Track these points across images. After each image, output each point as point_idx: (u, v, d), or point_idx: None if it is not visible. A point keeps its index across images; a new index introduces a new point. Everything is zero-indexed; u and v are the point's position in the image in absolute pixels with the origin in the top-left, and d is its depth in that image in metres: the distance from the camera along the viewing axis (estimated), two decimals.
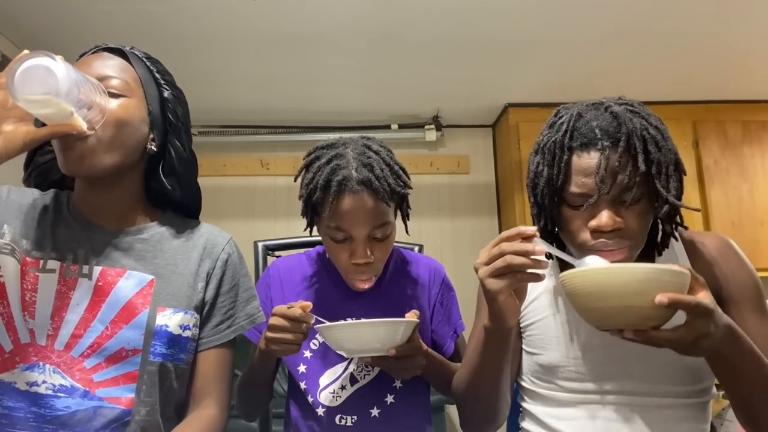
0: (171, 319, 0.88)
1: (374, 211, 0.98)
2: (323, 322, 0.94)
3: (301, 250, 1.24)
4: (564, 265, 0.99)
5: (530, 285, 0.85)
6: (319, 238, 1.08)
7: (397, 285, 1.14)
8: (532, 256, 0.74)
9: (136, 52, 0.94)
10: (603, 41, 2.43)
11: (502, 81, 2.81)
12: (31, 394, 0.80)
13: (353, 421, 1.04)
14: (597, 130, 0.84)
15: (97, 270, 0.86)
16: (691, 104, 3.04)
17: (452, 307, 1.17)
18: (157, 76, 0.94)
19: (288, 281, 1.14)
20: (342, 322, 0.94)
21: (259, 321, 0.99)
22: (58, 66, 0.71)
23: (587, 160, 0.83)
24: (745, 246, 1.00)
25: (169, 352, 0.88)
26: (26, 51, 0.72)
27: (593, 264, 0.81)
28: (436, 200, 3.32)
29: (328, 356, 1.07)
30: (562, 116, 0.90)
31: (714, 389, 0.92)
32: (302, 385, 1.07)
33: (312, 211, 1.04)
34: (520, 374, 1.00)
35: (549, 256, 0.77)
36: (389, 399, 1.07)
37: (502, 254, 0.76)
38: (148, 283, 0.88)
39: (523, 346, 0.99)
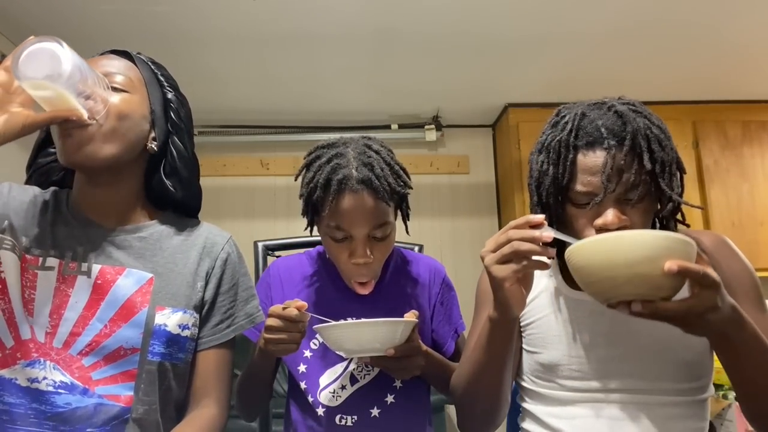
0: (170, 319, 0.88)
1: (374, 211, 0.98)
2: (323, 321, 0.94)
3: (301, 250, 1.24)
4: (565, 267, 0.99)
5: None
6: (319, 238, 1.08)
7: (397, 285, 1.14)
8: (539, 243, 0.74)
9: (141, 57, 0.96)
10: (603, 41, 2.43)
11: (502, 81, 2.81)
12: (32, 391, 0.80)
13: (353, 421, 1.04)
14: (603, 129, 0.84)
15: (96, 268, 0.86)
16: (691, 104, 3.04)
17: (453, 306, 1.17)
18: (161, 78, 0.96)
19: (288, 281, 1.14)
20: (341, 322, 0.94)
21: (258, 320, 0.99)
22: (63, 51, 0.73)
23: (593, 158, 0.84)
24: (745, 246, 1.01)
25: (168, 351, 0.88)
26: (33, 37, 0.73)
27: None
28: (436, 200, 3.32)
29: (328, 356, 1.07)
30: (565, 115, 0.91)
31: (712, 387, 0.93)
32: (302, 385, 1.07)
33: (312, 211, 1.04)
34: (520, 374, 1.00)
35: (553, 244, 0.77)
36: (389, 399, 1.07)
37: (509, 241, 0.76)
38: (147, 281, 0.88)
39: (524, 346, 0.99)
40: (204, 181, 1.03)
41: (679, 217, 0.91)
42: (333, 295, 1.11)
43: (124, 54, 0.94)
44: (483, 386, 0.91)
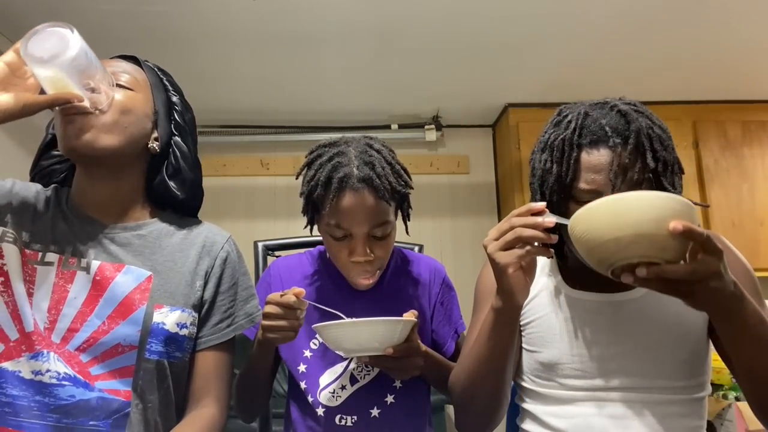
0: (168, 317, 0.88)
1: (374, 210, 0.99)
2: (321, 309, 0.94)
3: (302, 250, 1.24)
4: (564, 266, 0.99)
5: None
6: (319, 239, 1.08)
7: (397, 285, 1.14)
8: (541, 229, 0.75)
9: (149, 63, 0.98)
10: (603, 41, 2.43)
11: (502, 81, 2.82)
12: (35, 383, 0.80)
13: (353, 421, 1.04)
14: (607, 128, 0.85)
15: (96, 264, 0.86)
16: (691, 104, 3.04)
17: (453, 306, 1.17)
18: (167, 83, 0.98)
19: (289, 280, 1.14)
20: (340, 321, 0.94)
21: (257, 320, 0.99)
22: (72, 36, 0.76)
23: (597, 157, 0.84)
24: (745, 246, 1.01)
25: (166, 350, 0.88)
26: (47, 23, 0.77)
27: None
28: (436, 200, 3.32)
29: (328, 356, 1.07)
30: (567, 115, 0.91)
31: (709, 386, 0.93)
32: (302, 385, 1.07)
33: (312, 209, 1.04)
34: (519, 374, 1.00)
35: (555, 231, 0.78)
36: (389, 399, 1.07)
37: (512, 228, 0.77)
38: (146, 279, 0.88)
39: (523, 345, 0.99)
40: (204, 181, 1.03)
41: None
42: (334, 295, 1.11)
43: (132, 59, 0.96)
44: (484, 382, 0.90)
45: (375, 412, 1.05)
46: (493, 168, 3.39)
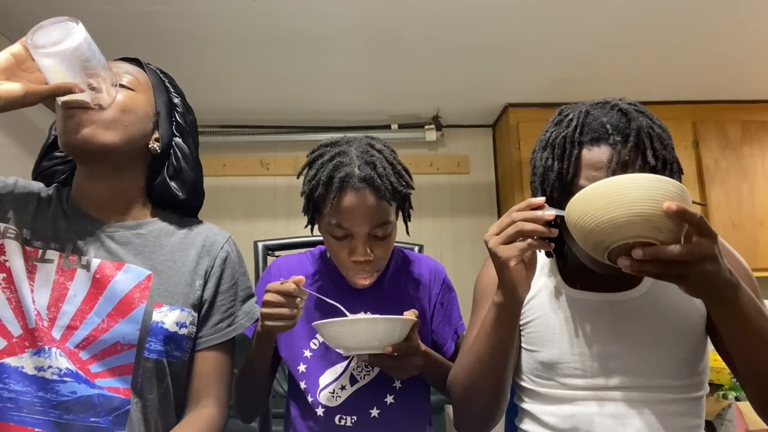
0: (167, 317, 0.88)
1: (375, 209, 0.99)
2: (321, 299, 0.94)
3: (302, 250, 1.24)
4: (563, 266, 1.00)
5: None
6: (320, 238, 1.08)
7: (397, 285, 1.14)
8: (542, 222, 0.77)
9: (151, 66, 0.99)
10: (603, 41, 2.43)
11: (502, 81, 2.82)
12: (38, 379, 0.80)
13: (353, 421, 1.04)
14: (608, 126, 0.85)
15: (96, 262, 0.87)
16: (691, 104, 3.04)
17: (453, 307, 1.17)
18: (169, 86, 0.99)
19: None
20: (340, 318, 0.94)
21: (256, 316, 0.99)
22: (78, 28, 0.78)
23: (598, 154, 0.85)
24: (745, 246, 1.02)
25: (165, 349, 0.88)
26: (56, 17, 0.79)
27: None
28: (436, 200, 3.33)
29: (328, 356, 1.07)
30: (568, 114, 0.92)
31: (707, 386, 0.93)
32: (302, 385, 1.07)
33: (313, 208, 1.04)
34: (518, 374, 1.00)
35: (555, 225, 0.80)
36: (389, 399, 1.07)
37: (512, 222, 0.79)
38: (146, 278, 0.89)
39: (523, 345, 0.99)
40: (204, 181, 1.03)
41: None
42: (334, 294, 1.11)
43: (134, 61, 0.97)
44: (484, 379, 0.90)
45: (375, 412, 1.05)
46: (493, 168, 3.39)
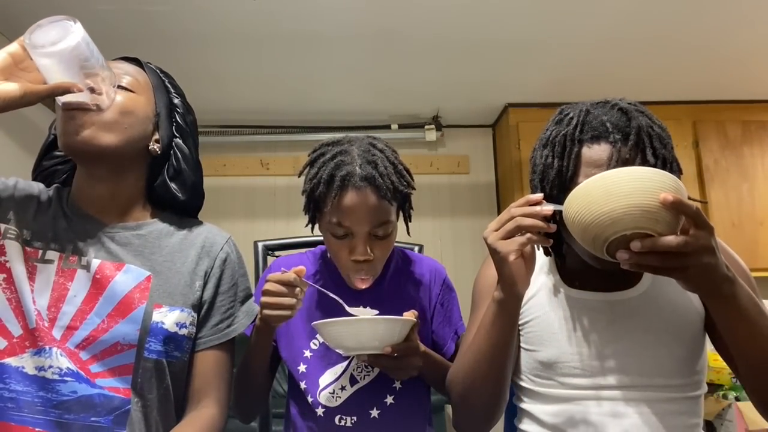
0: (167, 317, 0.88)
1: (376, 208, 0.99)
2: (321, 291, 0.93)
3: (302, 250, 1.24)
4: (562, 266, 1.00)
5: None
6: (320, 238, 1.08)
7: (398, 285, 1.14)
8: (540, 217, 0.79)
9: (151, 65, 0.99)
10: (603, 41, 2.43)
11: (502, 81, 2.82)
12: (38, 379, 0.80)
13: (353, 421, 1.04)
14: (608, 124, 0.86)
15: (96, 262, 0.87)
16: (691, 104, 3.04)
17: (453, 308, 1.17)
18: (169, 85, 0.99)
19: None
20: (340, 318, 0.94)
21: (255, 314, 1.00)
22: (76, 27, 0.78)
23: (598, 152, 0.85)
24: (745, 246, 1.02)
25: (165, 349, 0.88)
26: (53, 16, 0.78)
27: None
28: (436, 200, 3.32)
29: (328, 356, 1.07)
30: (569, 113, 0.92)
31: (705, 385, 0.94)
32: (302, 385, 1.07)
33: (314, 207, 1.05)
34: (517, 374, 1.00)
35: (553, 220, 0.80)
36: (389, 400, 1.07)
37: (511, 218, 0.80)
38: (146, 279, 0.89)
39: (522, 344, 0.99)
40: (204, 181, 1.03)
41: None
42: (334, 294, 1.11)
43: (134, 61, 0.96)
44: (484, 378, 0.90)
45: (374, 412, 1.05)
46: (493, 168, 3.39)
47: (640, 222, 0.71)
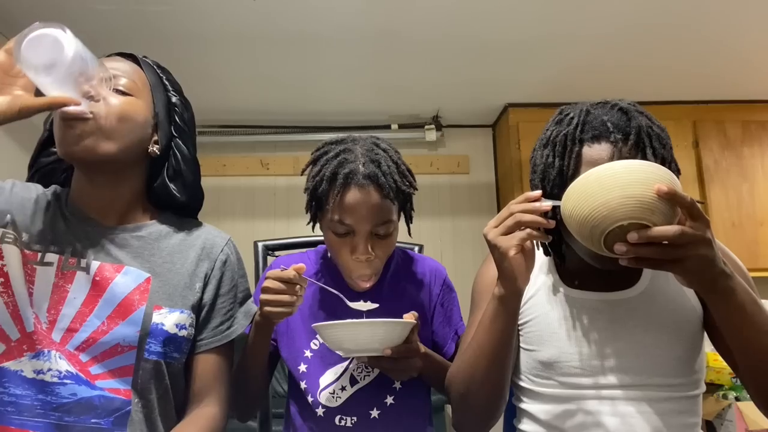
0: (167, 318, 0.88)
1: (378, 207, 0.99)
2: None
3: (302, 250, 1.24)
4: (561, 266, 1.00)
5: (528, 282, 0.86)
6: (320, 238, 1.08)
7: (398, 285, 1.14)
8: (539, 214, 0.80)
9: (148, 60, 0.96)
10: (603, 42, 2.43)
11: (502, 81, 2.82)
12: (37, 382, 0.80)
13: (353, 421, 1.04)
14: (608, 124, 0.86)
15: (95, 264, 0.87)
16: (691, 104, 3.04)
17: (453, 308, 1.17)
18: (166, 83, 0.97)
19: None
20: (340, 321, 0.94)
21: (254, 313, 1.00)
22: (66, 38, 0.73)
23: (598, 151, 0.85)
24: (745, 246, 1.02)
25: (164, 350, 0.88)
26: (38, 22, 0.74)
27: None
28: (436, 200, 3.33)
29: (328, 356, 1.07)
30: (569, 113, 0.93)
31: (703, 384, 0.94)
32: (302, 385, 1.07)
33: (316, 205, 1.05)
34: (516, 374, 1.00)
35: (553, 217, 0.82)
36: (389, 400, 1.07)
37: (511, 215, 0.81)
38: (145, 280, 0.89)
39: (521, 344, 0.99)
40: (204, 181, 1.03)
41: None
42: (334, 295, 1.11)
43: (130, 57, 0.95)
44: (483, 376, 0.90)
45: (375, 413, 1.05)
46: (493, 168, 3.39)
47: (635, 212, 0.72)
